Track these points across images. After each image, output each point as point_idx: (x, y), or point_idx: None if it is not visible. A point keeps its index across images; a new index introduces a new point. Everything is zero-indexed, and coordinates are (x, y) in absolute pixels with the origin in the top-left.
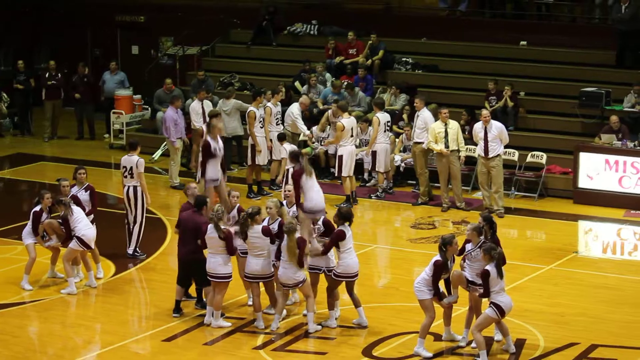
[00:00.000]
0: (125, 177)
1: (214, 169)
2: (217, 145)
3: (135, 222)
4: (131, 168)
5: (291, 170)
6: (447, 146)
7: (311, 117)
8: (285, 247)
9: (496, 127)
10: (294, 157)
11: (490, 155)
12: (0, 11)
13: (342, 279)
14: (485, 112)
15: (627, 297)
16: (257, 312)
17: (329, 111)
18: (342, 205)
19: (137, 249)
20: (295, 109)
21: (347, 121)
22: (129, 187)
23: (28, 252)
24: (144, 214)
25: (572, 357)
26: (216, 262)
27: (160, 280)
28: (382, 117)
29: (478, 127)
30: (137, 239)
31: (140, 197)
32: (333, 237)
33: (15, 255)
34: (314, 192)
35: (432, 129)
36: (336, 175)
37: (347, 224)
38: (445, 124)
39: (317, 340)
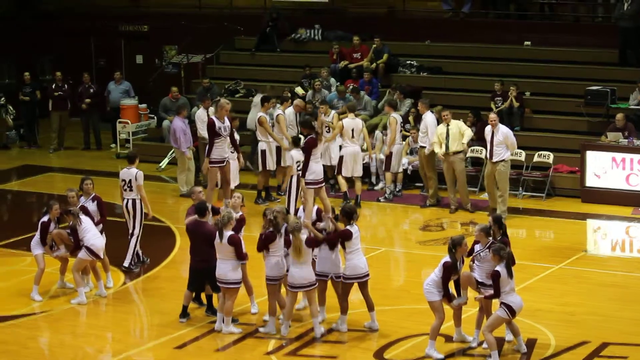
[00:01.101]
0: (125, 190)
1: (218, 150)
2: (223, 125)
3: (132, 235)
4: (130, 181)
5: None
6: (447, 147)
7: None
8: (292, 247)
9: (502, 132)
10: (309, 125)
11: (495, 159)
12: (3, 23)
13: (352, 280)
14: (492, 115)
15: (636, 294)
16: (272, 316)
17: (321, 114)
18: (345, 203)
19: (133, 261)
20: (290, 113)
21: (349, 122)
22: (128, 199)
23: (37, 263)
24: (141, 228)
25: (583, 355)
26: (225, 267)
27: (170, 288)
28: (398, 117)
29: (488, 129)
30: (132, 252)
31: (140, 210)
32: (338, 235)
33: (25, 266)
34: (315, 164)
35: (436, 131)
36: (335, 173)
37: (352, 222)
38: (447, 126)
39: (328, 344)
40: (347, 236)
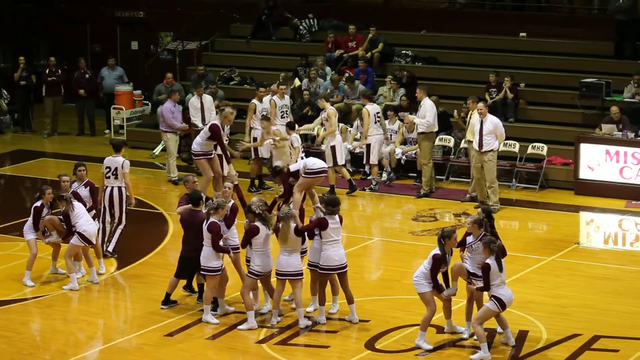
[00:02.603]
0: (108, 177)
1: (207, 144)
2: (224, 132)
3: (120, 222)
4: (116, 169)
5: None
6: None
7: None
8: (280, 234)
9: (492, 121)
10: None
11: (484, 149)
12: (0, 7)
13: (326, 271)
14: (480, 104)
15: (629, 288)
16: (250, 310)
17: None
18: (325, 195)
19: (116, 248)
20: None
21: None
22: (112, 187)
23: (29, 248)
24: (127, 215)
25: (575, 348)
26: (204, 253)
27: (162, 276)
28: (372, 108)
29: (475, 119)
30: (117, 239)
31: (125, 198)
32: (313, 224)
33: (17, 251)
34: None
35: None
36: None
37: (334, 212)
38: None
39: (319, 334)
40: (322, 225)
